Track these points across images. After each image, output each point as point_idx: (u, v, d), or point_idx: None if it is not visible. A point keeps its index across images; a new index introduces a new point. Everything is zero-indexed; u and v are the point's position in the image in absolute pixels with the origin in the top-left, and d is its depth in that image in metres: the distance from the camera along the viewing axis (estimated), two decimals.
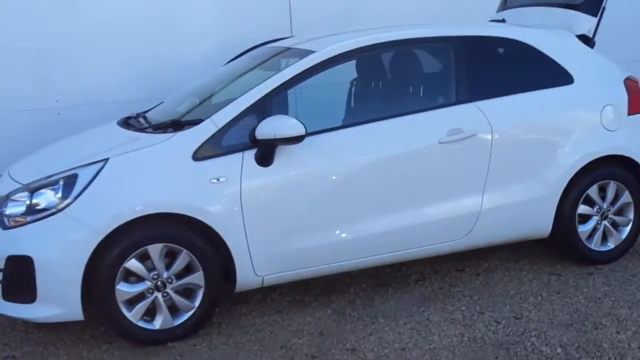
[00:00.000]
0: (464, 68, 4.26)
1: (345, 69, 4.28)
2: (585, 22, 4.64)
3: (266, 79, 3.93)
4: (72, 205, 3.57)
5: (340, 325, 3.88)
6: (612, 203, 4.52)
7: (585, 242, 4.48)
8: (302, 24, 5.86)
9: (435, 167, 4.12)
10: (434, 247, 4.21)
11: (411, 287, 4.36)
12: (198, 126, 3.82)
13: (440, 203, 4.13)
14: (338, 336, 3.75)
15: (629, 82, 4.59)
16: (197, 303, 3.76)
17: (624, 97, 4.52)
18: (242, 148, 3.77)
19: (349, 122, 4.19)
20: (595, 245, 4.51)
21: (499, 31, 4.51)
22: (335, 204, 3.93)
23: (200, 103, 4.38)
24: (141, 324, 3.69)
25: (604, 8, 4.59)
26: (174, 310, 3.75)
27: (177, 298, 3.73)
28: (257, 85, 3.90)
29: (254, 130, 3.73)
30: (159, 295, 3.69)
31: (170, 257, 3.70)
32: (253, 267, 3.82)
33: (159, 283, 3.68)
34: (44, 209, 3.60)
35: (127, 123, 4.33)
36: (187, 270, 3.73)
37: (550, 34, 4.58)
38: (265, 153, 3.76)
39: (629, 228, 4.57)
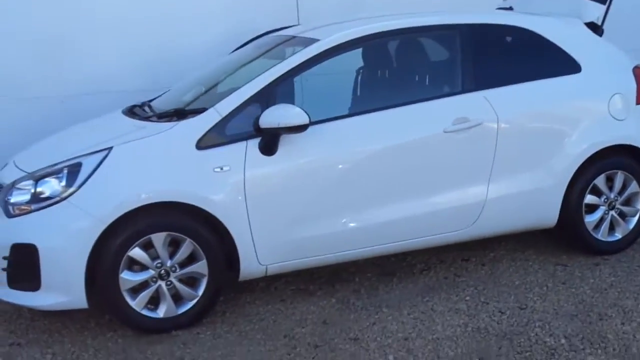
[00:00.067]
0: (470, 56, 4.22)
1: (350, 57, 4.23)
2: (593, 10, 4.60)
3: (270, 68, 3.91)
4: (76, 194, 3.58)
5: (343, 315, 3.88)
6: (620, 193, 4.48)
7: (592, 233, 4.45)
8: (309, 12, 5.82)
9: (441, 156, 4.09)
10: (439, 237, 4.19)
11: (416, 276, 4.35)
12: (202, 115, 3.81)
13: (446, 192, 4.11)
14: (341, 325, 3.75)
15: (637, 71, 4.53)
16: (200, 292, 3.77)
17: (633, 85, 4.48)
18: (245, 137, 3.76)
19: (354, 110, 4.17)
20: (602, 235, 4.48)
21: (506, 19, 4.46)
22: (339, 193, 3.91)
23: (206, 92, 4.36)
24: (145, 312, 3.71)
25: None
26: (177, 298, 3.75)
27: (180, 287, 3.74)
28: (261, 74, 3.89)
29: (257, 119, 3.72)
30: (162, 283, 3.70)
31: (173, 245, 3.70)
32: (257, 256, 3.82)
33: (162, 272, 3.69)
34: (49, 197, 3.61)
35: (132, 112, 4.32)
36: (191, 259, 3.74)
37: (558, 22, 4.53)
38: (269, 142, 3.75)
39: (636, 218, 4.54)
